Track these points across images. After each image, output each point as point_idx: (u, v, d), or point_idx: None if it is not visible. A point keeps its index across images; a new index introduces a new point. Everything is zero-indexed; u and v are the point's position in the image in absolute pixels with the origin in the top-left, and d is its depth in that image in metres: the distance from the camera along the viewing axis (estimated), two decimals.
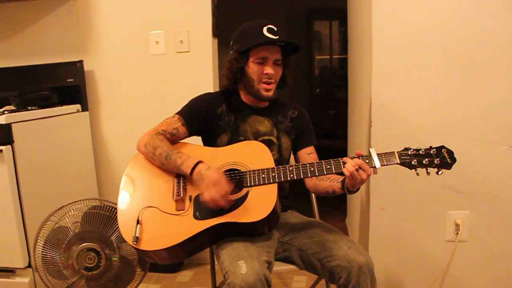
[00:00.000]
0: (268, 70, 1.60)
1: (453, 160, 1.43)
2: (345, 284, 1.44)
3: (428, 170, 1.42)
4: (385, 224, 2.04)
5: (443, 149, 1.45)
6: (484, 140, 1.91)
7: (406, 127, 1.96)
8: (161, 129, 1.63)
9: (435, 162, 1.42)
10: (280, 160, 1.69)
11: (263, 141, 1.64)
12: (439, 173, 1.42)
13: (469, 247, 2.02)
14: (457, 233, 2.00)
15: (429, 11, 1.87)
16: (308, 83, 4.79)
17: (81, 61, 2.55)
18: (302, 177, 1.49)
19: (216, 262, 1.67)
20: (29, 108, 2.33)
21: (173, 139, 1.64)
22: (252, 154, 1.56)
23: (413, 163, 1.42)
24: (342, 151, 3.45)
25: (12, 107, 2.40)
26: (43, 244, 1.87)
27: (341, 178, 1.52)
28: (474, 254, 2.02)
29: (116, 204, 1.56)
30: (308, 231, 1.62)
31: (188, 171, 1.49)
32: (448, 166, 1.42)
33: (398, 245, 2.07)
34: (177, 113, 1.68)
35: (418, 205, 2.01)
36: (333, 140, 4.02)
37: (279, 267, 1.60)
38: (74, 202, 1.91)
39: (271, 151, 1.60)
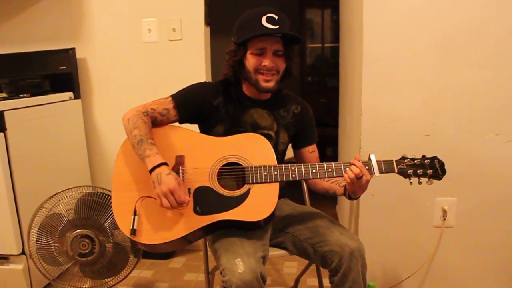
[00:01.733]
0: (266, 62, 1.52)
1: (444, 172, 1.47)
2: (337, 268, 1.47)
3: (420, 180, 1.46)
4: (375, 210, 2.07)
5: (436, 160, 1.48)
6: (471, 128, 1.95)
7: (396, 115, 1.98)
8: (151, 107, 1.58)
9: (428, 173, 1.46)
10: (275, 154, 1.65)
11: (262, 135, 1.59)
12: (428, 183, 1.46)
13: (456, 233, 2.06)
14: (444, 219, 2.04)
15: None
16: (300, 71, 4.80)
17: (73, 49, 2.54)
18: (304, 178, 1.51)
19: (208, 249, 1.69)
20: (21, 95, 2.33)
21: (163, 120, 1.59)
22: (254, 148, 1.53)
23: (408, 172, 1.46)
24: (333, 139, 3.49)
25: (4, 95, 2.40)
26: (37, 231, 1.88)
27: (344, 183, 1.54)
28: (460, 240, 2.07)
29: (110, 191, 1.55)
30: (301, 218, 1.65)
31: (149, 167, 1.43)
32: (439, 177, 1.47)
33: (387, 230, 2.11)
34: (171, 95, 1.63)
35: (406, 191, 2.03)
36: (324, 128, 4.05)
37: (271, 252, 1.61)
38: (68, 189, 1.92)
39: None
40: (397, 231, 2.10)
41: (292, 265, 2.53)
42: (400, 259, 2.13)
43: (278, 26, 1.48)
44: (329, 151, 4.34)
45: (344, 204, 2.75)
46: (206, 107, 1.62)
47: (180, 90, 1.65)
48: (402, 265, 2.13)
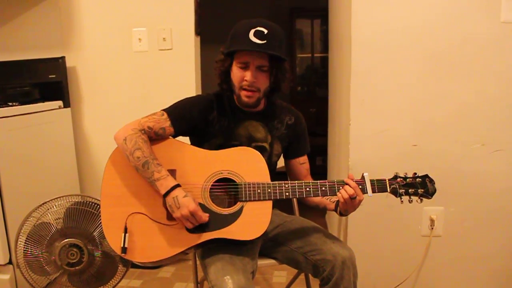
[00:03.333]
0: (248, 76, 1.49)
1: (434, 191, 1.48)
2: (329, 277, 1.47)
3: (411, 199, 1.47)
4: (363, 219, 2.08)
5: (427, 179, 1.48)
6: (458, 139, 1.97)
7: (383, 125, 2.01)
8: (147, 125, 1.50)
9: (419, 192, 1.47)
10: (268, 166, 1.60)
11: (256, 147, 1.57)
12: (418, 201, 1.47)
13: (444, 242, 2.08)
14: (432, 228, 2.06)
15: (407, 12, 1.93)
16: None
17: (63, 57, 2.54)
18: (297, 196, 1.49)
19: (197, 259, 1.69)
20: (10, 104, 2.32)
21: (157, 139, 1.54)
22: (247, 164, 1.50)
23: (400, 191, 1.47)
24: (323, 149, 3.51)
25: None
26: (25, 240, 1.86)
27: (335, 198, 1.54)
28: (448, 248, 2.09)
29: (99, 200, 1.53)
30: (291, 228, 1.65)
31: (162, 191, 1.42)
32: (429, 197, 1.48)
33: (375, 239, 2.13)
34: (165, 111, 1.56)
35: (395, 200, 2.05)
36: (313, 138, 4.06)
37: (260, 261, 1.61)
38: (56, 198, 1.91)
39: None
40: (386, 240, 2.12)
41: (281, 275, 2.53)
42: (388, 268, 2.14)
43: (265, 41, 1.44)
44: (319, 160, 4.35)
45: (333, 213, 2.75)
46: (201, 122, 1.59)
47: (174, 104, 1.61)
48: (390, 274, 2.14)
